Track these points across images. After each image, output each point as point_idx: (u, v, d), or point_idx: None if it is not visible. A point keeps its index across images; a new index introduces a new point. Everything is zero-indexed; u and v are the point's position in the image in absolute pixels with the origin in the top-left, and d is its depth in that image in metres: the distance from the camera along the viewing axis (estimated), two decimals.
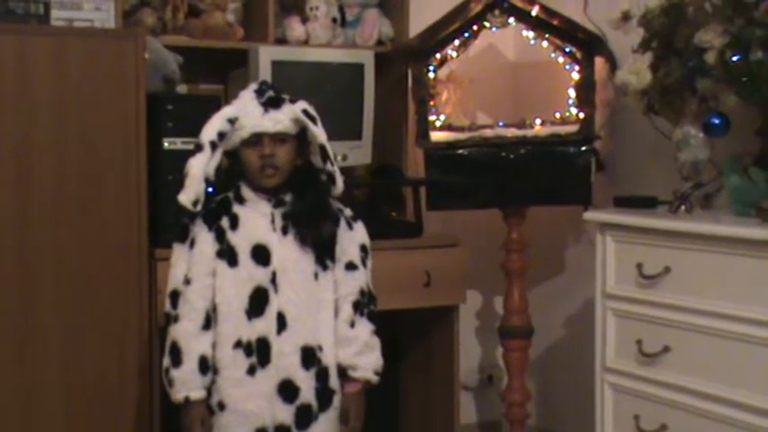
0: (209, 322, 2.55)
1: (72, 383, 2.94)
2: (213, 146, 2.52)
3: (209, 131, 2.53)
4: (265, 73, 3.27)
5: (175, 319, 2.56)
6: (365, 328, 2.62)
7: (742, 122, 2.93)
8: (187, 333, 2.53)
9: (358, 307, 2.62)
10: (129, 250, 2.98)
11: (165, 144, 3.07)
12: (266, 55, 3.33)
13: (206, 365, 2.53)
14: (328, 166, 2.57)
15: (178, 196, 2.52)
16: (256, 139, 2.54)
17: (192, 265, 2.56)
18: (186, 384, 2.53)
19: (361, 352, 2.61)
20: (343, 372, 2.61)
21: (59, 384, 2.92)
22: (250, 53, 3.36)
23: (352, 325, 2.61)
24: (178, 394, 2.53)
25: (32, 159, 2.88)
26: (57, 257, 2.91)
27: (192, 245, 2.58)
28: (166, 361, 2.55)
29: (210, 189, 2.59)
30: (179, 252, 2.59)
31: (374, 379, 2.63)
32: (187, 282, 2.55)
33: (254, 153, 2.55)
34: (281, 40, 3.57)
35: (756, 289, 2.58)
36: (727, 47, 2.77)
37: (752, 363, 2.60)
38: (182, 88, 3.47)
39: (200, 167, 2.51)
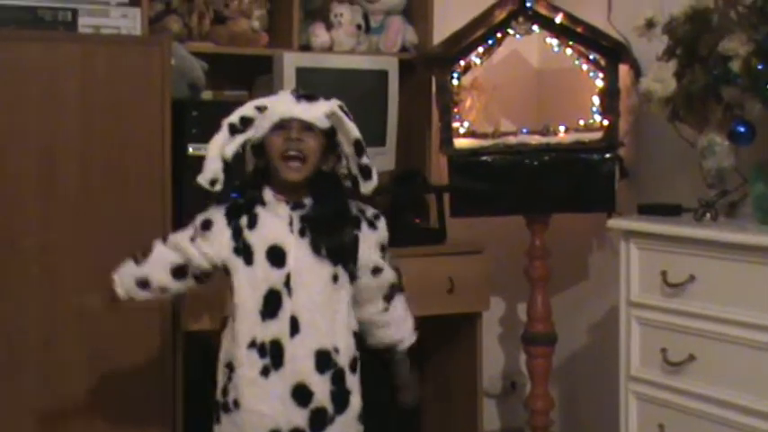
0: (178, 272, 2.61)
1: (95, 388, 2.95)
2: (233, 129, 2.53)
3: (233, 115, 2.55)
4: (290, 79, 3.29)
5: (163, 239, 2.66)
6: (397, 305, 2.71)
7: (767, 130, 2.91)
8: (158, 254, 2.63)
9: (388, 297, 2.69)
10: None
11: (190, 150, 3.08)
12: (291, 61, 3.35)
13: (144, 285, 2.61)
14: (363, 159, 2.57)
15: (197, 178, 2.54)
16: (285, 124, 2.53)
17: (199, 235, 2.59)
18: (121, 276, 2.63)
19: (399, 327, 2.72)
20: (388, 348, 2.74)
21: (83, 389, 2.94)
22: (275, 59, 3.38)
23: (386, 310, 2.69)
24: (114, 275, 2.63)
25: (58, 165, 2.90)
26: (81, 263, 2.92)
27: (205, 226, 2.59)
28: (137, 254, 2.64)
29: (235, 194, 2.61)
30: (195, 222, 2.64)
31: (414, 339, 2.78)
32: (192, 239, 2.60)
33: (279, 138, 2.53)
34: (306, 47, 3.58)
35: None
36: (752, 55, 2.77)
37: None
38: (207, 94, 3.49)
39: (215, 148, 2.53)
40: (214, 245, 2.57)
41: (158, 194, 3.01)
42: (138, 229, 2.98)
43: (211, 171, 2.53)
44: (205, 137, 3.06)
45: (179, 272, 2.62)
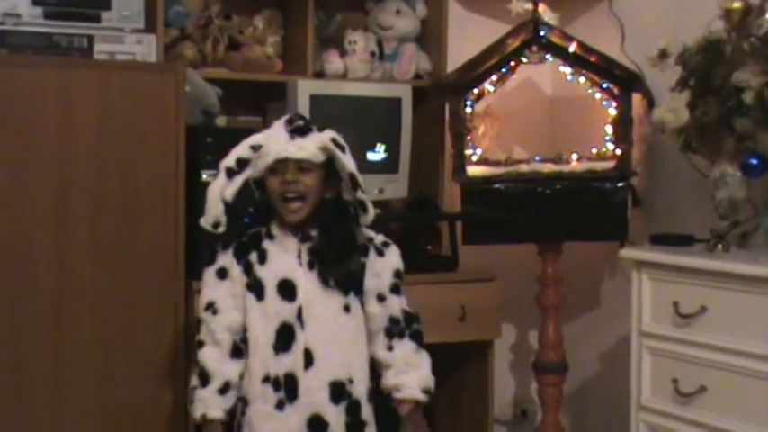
0: (237, 351, 2.58)
1: (105, 416, 2.95)
2: (230, 172, 2.56)
3: (229, 158, 2.58)
4: (303, 106, 3.30)
5: (200, 344, 2.61)
6: (404, 347, 2.62)
7: None
8: (212, 358, 2.58)
9: (391, 333, 2.61)
10: (166, 282, 2.99)
11: (204, 176, 3.09)
12: (305, 88, 3.36)
13: (227, 389, 2.56)
14: (359, 194, 2.57)
15: (200, 221, 2.59)
16: (281, 166, 2.55)
17: (221, 297, 2.60)
18: (205, 402, 2.56)
19: (401, 371, 2.61)
20: (390, 395, 2.61)
21: (93, 417, 2.93)
22: (289, 86, 3.39)
23: (390, 349, 2.61)
24: (197, 412, 2.57)
25: (71, 190, 2.91)
26: (94, 289, 2.92)
27: (221, 275, 2.60)
28: (194, 381, 2.59)
29: (247, 219, 2.62)
30: (207, 277, 2.64)
31: (421, 397, 2.62)
32: (214, 311, 2.59)
33: (276, 180, 2.56)
34: (320, 74, 3.60)
35: None
36: (764, 87, 2.77)
37: None
38: (221, 121, 3.50)
39: (215, 191, 2.56)
40: (234, 287, 2.59)
41: (172, 220, 3.01)
42: (152, 255, 2.98)
43: (213, 216, 2.57)
44: (219, 163, 3.09)
45: (236, 352, 2.59)
